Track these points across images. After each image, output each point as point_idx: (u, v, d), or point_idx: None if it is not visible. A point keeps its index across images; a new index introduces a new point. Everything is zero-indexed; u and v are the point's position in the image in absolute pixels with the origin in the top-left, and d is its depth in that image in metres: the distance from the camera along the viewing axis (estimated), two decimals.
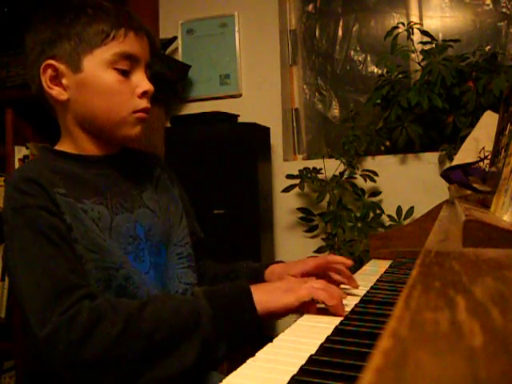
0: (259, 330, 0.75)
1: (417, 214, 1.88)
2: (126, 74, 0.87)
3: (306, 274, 0.95)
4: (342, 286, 0.93)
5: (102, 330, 0.69)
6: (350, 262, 0.95)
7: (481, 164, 1.24)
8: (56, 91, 0.87)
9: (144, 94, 0.89)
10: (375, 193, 2.06)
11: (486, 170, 1.18)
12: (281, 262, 1.07)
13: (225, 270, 1.08)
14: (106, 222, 0.85)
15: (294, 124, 2.39)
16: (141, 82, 0.88)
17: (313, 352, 0.57)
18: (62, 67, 0.86)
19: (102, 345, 0.69)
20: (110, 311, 0.72)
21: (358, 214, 2.02)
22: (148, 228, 0.91)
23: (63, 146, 0.92)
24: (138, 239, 0.89)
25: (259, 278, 1.01)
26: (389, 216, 1.99)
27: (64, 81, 0.87)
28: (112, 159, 0.93)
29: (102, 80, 0.86)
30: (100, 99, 0.87)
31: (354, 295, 0.87)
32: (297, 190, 2.06)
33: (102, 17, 0.86)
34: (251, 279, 1.01)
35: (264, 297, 0.76)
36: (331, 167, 2.09)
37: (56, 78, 0.87)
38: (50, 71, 0.86)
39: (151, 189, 0.97)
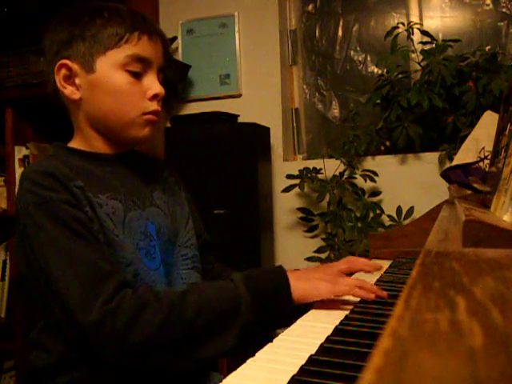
0: (294, 315, 0.77)
1: (417, 214, 1.88)
2: (137, 76, 0.89)
3: None
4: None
5: (147, 318, 0.72)
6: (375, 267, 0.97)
7: (481, 164, 1.24)
8: (69, 90, 0.89)
9: (154, 97, 0.90)
10: (375, 193, 2.06)
11: (486, 170, 1.18)
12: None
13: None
14: (119, 216, 0.86)
15: (294, 124, 2.38)
16: (152, 84, 0.90)
17: (313, 352, 0.57)
18: (75, 67, 0.88)
19: (147, 331, 0.72)
20: (153, 299, 0.74)
21: (358, 214, 2.02)
22: (158, 226, 0.93)
23: (75, 144, 0.94)
24: (150, 236, 0.90)
25: None
26: (389, 216, 1.99)
27: (77, 80, 0.89)
28: (122, 158, 0.94)
29: (113, 81, 0.88)
30: (110, 99, 0.88)
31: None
32: (297, 189, 2.06)
33: (116, 20, 0.88)
34: None
35: (301, 284, 0.78)
36: (331, 167, 2.09)
37: (69, 78, 0.89)
38: (63, 71, 0.89)
39: (160, 189, 0.99)
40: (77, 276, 0.75)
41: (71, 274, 0.75)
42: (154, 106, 0.90)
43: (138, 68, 0.88)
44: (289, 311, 0.77)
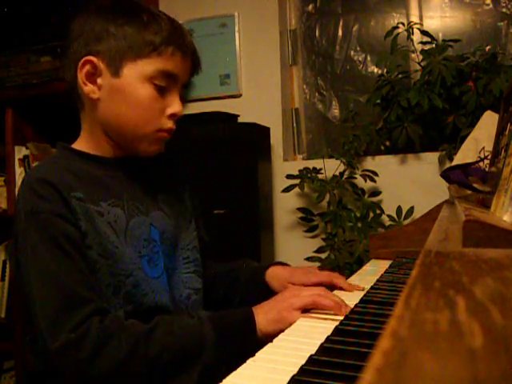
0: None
1: (417, 214, 1.88)
2: (161, 90, 0.86)
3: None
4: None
5: (110, 351, 0.71)
6: (356, 288, 0.94)
7: (481, 164, 1.24)
8: (89, 88, 0.86)
9: (173, 116, 0.88)
10: (375, 193, 2.06)
11: (486, 169, 1.18)
12: (283, 263, 1.06)
13: (225, 270, 1.08)
14: (121, 224, 0.85)
15: (294, 124, 2.38)
16: (173, 102, 0.88)
17: (313, 352, 0.57)
18: (101, 66, 0.85)
19: (109, 365, 0.71)
20: (119, 332, 0.73)
21: (358, 214, 2.02)
22: (162, 231, 0.91)
23: (81, 145, 0.91)
24: (153, 242, 0.89)
25: (260, 280, 1.01)
26: (389, 216, 1.99)
27: (99, 80, 0.85)
28: (128, 162, 0.92)
29: (137, 92, 0.85)
30: (129, 109, 0.86)
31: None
32: (297, 190, 2.06)
33: (154, 27, 0.84)
34: (252, 280, 1.01)
35: (265, 320, 0.76)
36: (331, 167, 2.09)
37: (93, 75, 0.85)
38: (88, 67, 0.85)
39: (164, 192, 0.97)
40: (51, 297, 0.74)
41: (46, 294, 0.74)
42: (170, 124, 0.88)
43: (163, 83, 0.86)
44: (254, 349, 0.76)
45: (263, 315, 0.77)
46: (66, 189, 0.80)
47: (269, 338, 0.74)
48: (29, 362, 0.87)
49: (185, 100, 0.91)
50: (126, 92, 0.85)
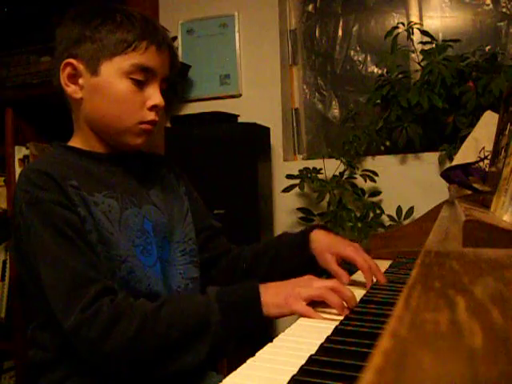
0: (263, 328, 0.78)
1: (417, 214, 1.88)
2: (140, 84, 0.90)
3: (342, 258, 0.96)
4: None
5: (120, 329, 0.74)
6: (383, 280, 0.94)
7: (481, 164, 1.24)
8: (71, 89, 0.91)
9: (154, 107, 0.92)
10: (375, 193, 2.06)
11: (486, 170, 1.18)
12: (322, 227, 1.04)
13: (262, 249, 1.07)
14: (115, 214, 0.88)
15: (294, 124, 2.38)
16: (153, 94, 0.91)
17: (313, 352, 0.57)
18: (80, 67, 0.89)
19: (120, 342, 0.74)
20: (129, 311, 0.76)
21: (358, 214, 2.02)
22: (155, 223, 0.94)
23: (74, 143, 0.95)
24: (146, 233, 0.92)
25: (305, 251, 0.99)
26: (389, 216, 1.99)
27: (80, 81, 0.90)
28: (120, 158, 0.95)
29: (115, 87, 0.89)
30: (110, 105, 0.90)
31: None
32: (297, 190, 2.06)
33: (127, 26, 0.89)
34: (295, 254, 1.00)
35: (274, 300, 0.77)
36: (331, 167, 2.09)
37: (74, 77, 0.90)
38: (69, 69, 0.90)
39: (157, 188, 1.00)
40: (60, 280, 0.77)
41: (55, 278, 0.77)
42: (151, 115, 0.92)
43: (141, 77, 0.89)
44: (260, 326, 0.77)
45: (270, 297, 0.78)
46: (61, 178, 0.83)
47: (270, 319, 0.78)
48: (29, 355, 0.89)
49: (168, 94, 0.95)
50: (105, 88, 0.89)
